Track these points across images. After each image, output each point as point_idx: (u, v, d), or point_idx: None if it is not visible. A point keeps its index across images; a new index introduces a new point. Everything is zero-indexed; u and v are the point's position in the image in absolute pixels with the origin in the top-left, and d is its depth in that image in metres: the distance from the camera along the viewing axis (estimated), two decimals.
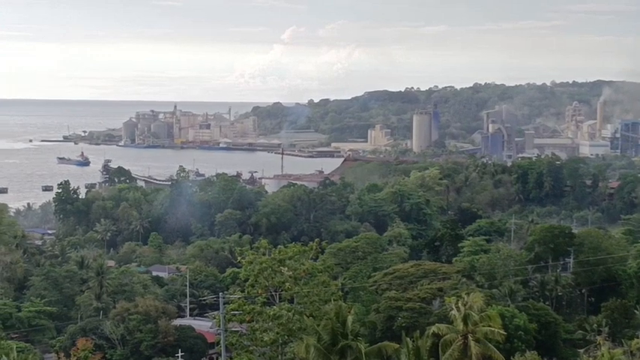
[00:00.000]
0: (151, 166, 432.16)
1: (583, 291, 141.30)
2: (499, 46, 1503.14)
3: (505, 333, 77.04)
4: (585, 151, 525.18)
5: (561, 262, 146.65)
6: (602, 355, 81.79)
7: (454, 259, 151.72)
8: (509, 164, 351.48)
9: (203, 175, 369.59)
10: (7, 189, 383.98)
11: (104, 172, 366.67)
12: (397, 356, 70.37)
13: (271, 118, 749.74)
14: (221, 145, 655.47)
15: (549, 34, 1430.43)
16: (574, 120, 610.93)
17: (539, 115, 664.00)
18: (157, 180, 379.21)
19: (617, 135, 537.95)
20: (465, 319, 71.08)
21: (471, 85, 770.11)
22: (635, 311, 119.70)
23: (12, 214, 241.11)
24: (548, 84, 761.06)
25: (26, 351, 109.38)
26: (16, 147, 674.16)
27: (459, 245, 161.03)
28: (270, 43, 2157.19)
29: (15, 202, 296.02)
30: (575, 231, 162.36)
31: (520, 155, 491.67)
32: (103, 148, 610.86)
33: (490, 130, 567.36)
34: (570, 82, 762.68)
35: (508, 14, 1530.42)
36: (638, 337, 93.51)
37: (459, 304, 72.84)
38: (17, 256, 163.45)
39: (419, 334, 72.93)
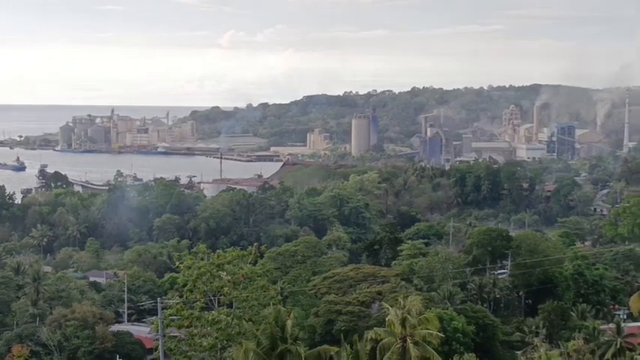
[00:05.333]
0: (88, 170, 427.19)
1: (520, 293, 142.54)
2: (437, 51, 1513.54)
3: (443, 335, 77.45)
4: (522, 154, 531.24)
5: (499, 265, 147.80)
6: (540, 356, 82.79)
7: (393, 262, 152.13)
8: (447, 168, 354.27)
9: (141, 179, 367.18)
10: None
11: (40, 177, 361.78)
12: None
13: (210, 123, 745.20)
14: (159, 150, 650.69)
15: (488, 39, 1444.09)
16: (511, 123, 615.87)
17: (476, 118, 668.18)
18: (94, 185, 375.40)
19: (554, 138, 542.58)
20: (403, 322, 71.25)
21: (409, 89, 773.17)
22: (572, 313, 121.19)
23: None
24: (485, 88, 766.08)
25: None
26: None
27: (398, 249, 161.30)
28: (209, 47, 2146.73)
29: None
30: (512, 234, 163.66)
31: (458, 159, 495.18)
32: (40, 152, 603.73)
33: (428, 134, 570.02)
34: (507, 85, 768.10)
35: (447, 20, 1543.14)
36: (574, 339, 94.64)
37: (397, 308, 73.00)
38: None
39: (358, 338, 72.97)
